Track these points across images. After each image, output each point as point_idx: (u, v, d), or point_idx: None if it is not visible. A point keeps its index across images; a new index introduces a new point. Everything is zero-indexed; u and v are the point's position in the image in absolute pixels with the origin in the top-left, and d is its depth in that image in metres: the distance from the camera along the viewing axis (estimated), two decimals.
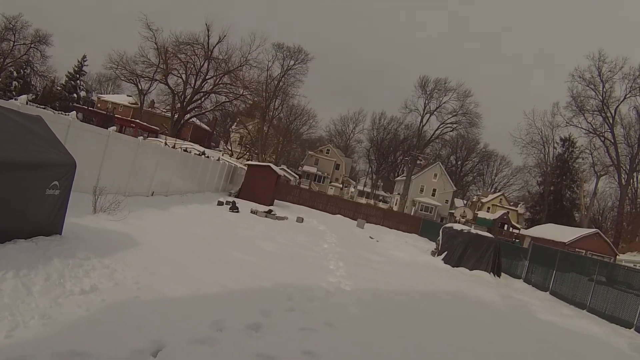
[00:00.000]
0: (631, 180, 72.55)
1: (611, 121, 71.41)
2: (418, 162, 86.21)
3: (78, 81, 76.90)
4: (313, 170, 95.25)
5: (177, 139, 62.05)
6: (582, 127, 74.47)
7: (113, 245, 9.46)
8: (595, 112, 72.88)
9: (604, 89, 71.47)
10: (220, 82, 75.21)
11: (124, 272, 7.93)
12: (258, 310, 8.16)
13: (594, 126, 73.19)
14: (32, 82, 79.63)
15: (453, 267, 24.57)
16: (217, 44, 72.73)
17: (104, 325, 5.75)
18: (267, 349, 6.45)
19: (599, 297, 20.77)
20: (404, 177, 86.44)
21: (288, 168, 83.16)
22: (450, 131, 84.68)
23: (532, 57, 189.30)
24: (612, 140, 70.98)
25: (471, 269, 24.46)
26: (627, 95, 70.29)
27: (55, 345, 4.87)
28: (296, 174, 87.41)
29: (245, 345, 6.41)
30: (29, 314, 5.44)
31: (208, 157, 39.42)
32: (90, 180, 13.92)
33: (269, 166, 40.45)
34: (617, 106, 71.32)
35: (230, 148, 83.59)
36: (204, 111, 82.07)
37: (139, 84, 73.24)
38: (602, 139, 72.55)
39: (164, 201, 20.41)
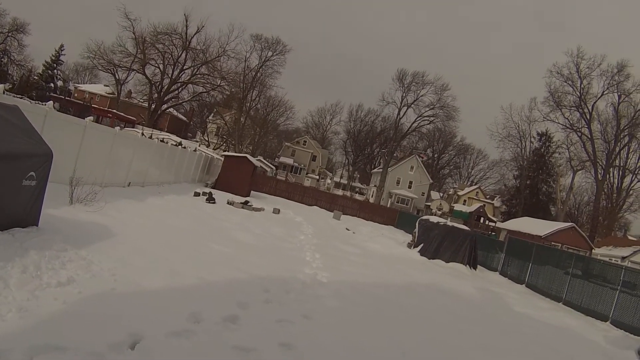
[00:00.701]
0: (607, 176, 73.38)
1: (588, 117, 72.28)
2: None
3: (55, 70, 76.03)
4: (290, 161, 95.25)
5: (154, 130, 61.63)
6: (559, 122, 75.39)
7: (90, 237, 9.40)
8: (572, 108, 73.74)
9: (582, 85, 72.37)
10: (197, 73, 74.79)
11: (100, 264, 7.89)
12: (235, 302, 8.18)
13: (571, 121, 74.11)
14: (9, 72, 78.36)
15: (429, 259, 24.77)
16: (195, 34, 72.33)
17: (81, 318, 5.74)
18: (244, 342, 6.48)
19: (574, 290, 21.07)
20: (381, 169, 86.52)
21: (265, 159, 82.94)
22: (428, 124, 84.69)
23: (510, 52, 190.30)
24: (589, 136, 71.83)
25: (447, 261, 24.66)
26: (605, 92, 71.32)
27: (33, 339, 4.85)
28: (273, 165, 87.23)
29: (222, 338, 6.44)
30: (6, 307, 5.41)
31: (185, 147, 39.15)
32: (67, 171, 13.79)
33: (246, 157, 40.35)
34: (595, 102, 72.22)
35: (207, 139, 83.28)
36: (181, 101, 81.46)
37: (116, 74, 72.58)
38: (579, 134, 73.42)
39: (140, 192, 20.27)
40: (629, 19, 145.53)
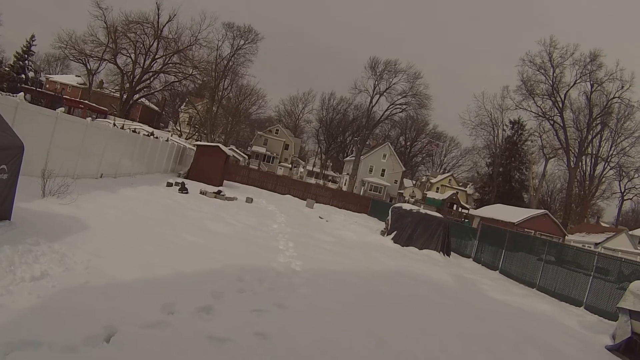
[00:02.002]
0: (580, 163, 74.41)
1: (561, 105, 73.27)
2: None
3: (26, 61, 74.82)
4: (262, 150, 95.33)
5: (126, 120, 61.16)
6: (531, 111, 76.31)
7: (62, 230, 9.37)
8: (545, 96, 74.67)
9: (554, 74, 73.34)
10: (169, 62, 74.27)
11: (74, 257, 7.87)
12: (209, 292, 8.23)
13: (543, 110, 75.05)
14: None
15: (403, 246, 24.98)
16: (167, 23, 71.72)
17: (56, 312, 5.74)
18: (219, 331, 6.54)
19: (548, 276, 21.42)
20: (353, 158, 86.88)
21: (237, 148, 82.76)
22: (400, 112, 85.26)
23: (482, 41, 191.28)
24: (562, 124, 72.82)
25: (421, 248, 24.89)
26: (578, 81, 72.47)
27: (7, 335, 4.85)
28: (245, 154, 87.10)
29: (197, 328, 6.48)
30: None
31: (157, 137, 39.01)
32: (39, 163, 13.70)
33: (218, 146, 40.22)
34: (567, 91, 73.37)
35: (179, 128, 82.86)
36: (153, 91, 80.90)
37: (87, 64, 71.67)
38: (552, 122, 74.38)
39: (113, 183, 20.17)
40: (602, 9, 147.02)
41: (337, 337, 7.78)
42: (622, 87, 69.83)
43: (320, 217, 32.07)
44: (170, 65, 74.31)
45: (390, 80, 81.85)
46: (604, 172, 77.14)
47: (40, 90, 64.04)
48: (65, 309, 5.91)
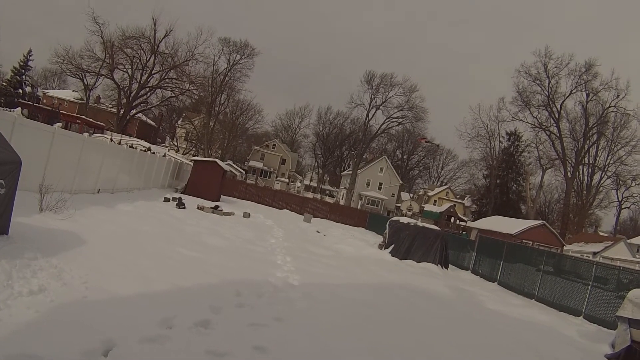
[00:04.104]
0: (577, 173, 74.56)
1: (557, 116, 73.31)
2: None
3: (23, 76, 75.06)
4: (259, 165, 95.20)
5: (123, 135, 61.04)
6: (527, 122, 76.25)
7: (60, 245, 9.37)
8: (541, 107, 74.70)
9: (550, 85, 73.38)
10: (166, 77, 74.26)
11: (71, 272, 7.87)
12: (207, 306, 8.23)
13: (539, 120, 75.01)
14: None
15: (401, 259, 24.97)
16: (163, 38, 71.74)
17: (54, 327, 5.74)
18: (218, 346, 6.53)
19: (547, 287, 21.41)
20: (350, 171, 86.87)
21: (234, 163, 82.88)
22: (396, 125, 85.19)
23: (478, 53, 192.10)
24: (558, 135, 72.83)
25: (419, 262, 24.88)
26: (573, 91, 72.42)
27: (7, 349, 4.86)
28: (242, 169, 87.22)
29: (195, 343, 6.48)
30: None
31: (154, 153, 39.02)
32: (36, 179, 13.70)
33: (215, 162, 40.32)
34: (563, 101, 73.30)
35: (176, 144, 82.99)
36: (149, 106, 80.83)
37: (84, 79, 71.66)
38: (548, 133, 74.36)
39: (110, 198, 20.19)
40: (597, 18, 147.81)
41: (336, 350, 7.77)
42: (618, 95, 69.98)
43: (317, 231, 32.03)
44: (167, 80, 74.35)
45: (387, 93, 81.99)
46: (601, 182, 77.26)
47: (37, 105, 64.01)
48: (63, 323, 5.92)
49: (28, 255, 7.78)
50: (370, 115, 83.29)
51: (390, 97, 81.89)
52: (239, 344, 6.82)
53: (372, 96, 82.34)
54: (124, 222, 15.36)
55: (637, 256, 56.91)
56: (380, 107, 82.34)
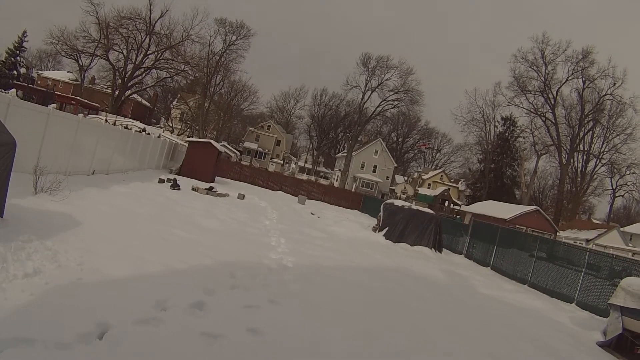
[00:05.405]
0: (571, 160, 74.63)
1: (553, 102, 73.25)
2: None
3: (18, 57, 74.53)
4: (254, 146, 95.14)
5: (118, 116, 60.84)
6: (523, 107, 76.15)
7: (55, 227, 9.38)
8: (537, 93, 74.59)
9: (547, 71, 73.30)
10: (161, 58, 73.87)
11: (66, 254, 7.88)
12: (201, 288, 8.27)
13: (535, 106, 74.96)
14: None
15: (394, 242, 25.05)
16: (159, 18, 71.22)
17: (49, 309, 5.77)
18: (212, 328, 6.59)
19: (539, 273, 21.46)
20: (345, 154, 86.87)
21: (229, 144, 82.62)
22: (392, 108, 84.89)
23: (475, 37, 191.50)
24: (553, 121, 72.81)
25: (412, 245, 24.96)
26: (570, 78, 72.37)
27: (1, 332, 4.89)
28: (237, 150, 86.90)
29: (189, 325, 6.53)
30: None
31: (149, 134, 38.93)
32: (31, 160, 13.68)
33: (210, 143, 40.29)
34: (559, 88, 73.28)
35: (171, 124, 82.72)
36: (144, 87, 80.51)
37: (79, 60, 71.24)
38: (544, 119, 74.31)
39: (105, 180, 20.15)
40: (595, 6, 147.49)
41: (329, 331, 7.85)
42: (614, 84, 69.95)
43: (312, 213, 32.05)
44: (162, 61, 73.99)
45: (382, 76, 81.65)
46: (596, 169, 77.53)
47: (32, 86, 63.56)
48: (58, 305, 5.94)
49: (23, 237, 7.78)
50: (365, 98, 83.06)
51: (386, 80, 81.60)
52: (233, 326, 6.88)
53: (368, 78, 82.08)
54: (119, 203, 15.35)
55: (630, 244, 57.11)
56: (376, 89, 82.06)
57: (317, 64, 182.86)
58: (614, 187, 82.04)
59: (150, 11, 70.57)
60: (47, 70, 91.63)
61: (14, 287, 6.08)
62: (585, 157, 76.28)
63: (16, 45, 73.08)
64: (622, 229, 59.78)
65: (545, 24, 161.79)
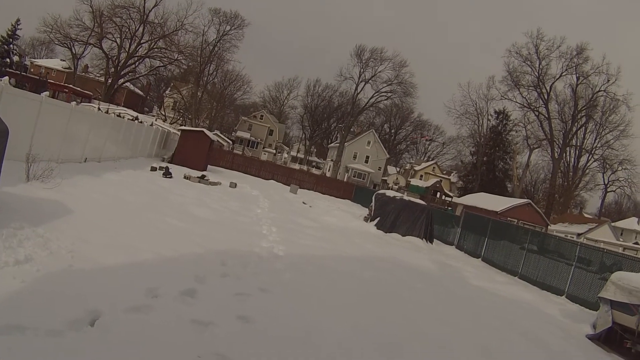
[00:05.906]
0: (564, 155, 75.05)
1: (546, 97, 73.87)
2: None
3: (11, 45, 74.10)
4: (246, 135, 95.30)
5: (111, 104, 60.82)
6: (516, 101, 76.79)
7: (47, 214, 9.37)
8: (530, 88, 75.19)
9: (540, 66, 73.96)
10: (155, 47, 73.93)
11: (58, 241, 7.87)
12: (192, 276, 8.30)
13: (528, 101, 75.59)
14: None
15: (386, 232, 25.12)
16: (153, 7, 71.28)
17: (40, 296, 5.78)
18: (202, 315, 6.63)
19: (530, 265, 21.61)
20: (338, 144, 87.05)
21: (221, 133, 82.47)
22: (385, 100, 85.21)
23: (469, 31, 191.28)
24: (546, 115, 73.39)
25: (404, 235, 25.05)
26: (564, 73, 73.13)
27: None
28: (230, 139, 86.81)
29: (180, 312, 6.57)
30: None
31: (141, 122, 38.88)
32: (23, 148, 13.62)
33: (203, 131, 40.29)
34: (553, 83, 73.88)
35: (163, 113, 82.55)
36: (137, 76, 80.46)
37: (72, 48, 71.24)
38: (537, 113, 74.93)
39: (97, 167, 20.09)
40: (590, 3, 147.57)
41: (319, 320, 7.89)
42: (608, 80, 70.65)
43: (303, 202, 32.09)
44: (156, 50, 74.01)
45: (376, 68, 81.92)
46: (588, 164, 78.21)
47: (24, 74, 63.28)
48: (49, 293, 5.95)
49: (14, 224, 7.77)
50: (359, 89, 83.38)
51: (379, 72, 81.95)
52: (224, 314, 6.92)
53: (362, 70, 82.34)
54: (111, 191, 15.32)
55: (621, 239, 57.52)
56: (370, 81, 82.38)
57: (313, 59, 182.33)
58: (606, 183, 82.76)
59: (145, 0, 70.38)
60: (40, 59, 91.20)
61: (5, 274, 6.07)
62: (577, 152, 76.99)
63: (9, 33, 72.54)
64: (613, 224, 60.15)
65: (541, 21, 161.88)
